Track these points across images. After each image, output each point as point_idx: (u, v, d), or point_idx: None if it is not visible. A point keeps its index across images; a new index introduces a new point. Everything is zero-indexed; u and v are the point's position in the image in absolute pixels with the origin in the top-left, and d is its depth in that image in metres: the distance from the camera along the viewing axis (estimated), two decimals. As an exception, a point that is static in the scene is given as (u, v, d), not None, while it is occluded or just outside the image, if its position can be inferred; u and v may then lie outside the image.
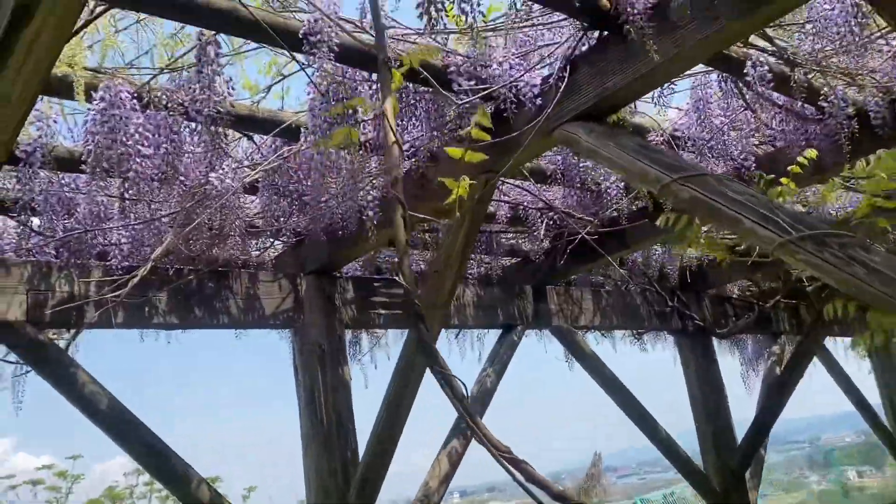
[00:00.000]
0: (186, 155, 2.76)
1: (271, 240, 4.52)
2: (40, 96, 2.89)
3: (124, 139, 2.39)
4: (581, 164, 4.14)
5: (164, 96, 2.57)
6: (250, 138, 3.27)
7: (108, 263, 3.72)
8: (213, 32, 2.53)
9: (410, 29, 2.94)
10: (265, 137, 3.35)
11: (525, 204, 4.51)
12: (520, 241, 5.35)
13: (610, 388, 6.01)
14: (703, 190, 2.48)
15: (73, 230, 3.44)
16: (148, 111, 2.59)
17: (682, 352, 6.80)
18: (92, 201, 3.26)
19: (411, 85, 3.05)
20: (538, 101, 3.01)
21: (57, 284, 3.65)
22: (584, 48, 2.95)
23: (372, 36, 2.69)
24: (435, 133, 3.28)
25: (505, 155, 3.26)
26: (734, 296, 7.36)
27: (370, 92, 2.95)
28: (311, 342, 4.36)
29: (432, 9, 2.30)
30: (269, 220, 3.85)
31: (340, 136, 2.22)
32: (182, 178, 2.85)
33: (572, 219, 4.13)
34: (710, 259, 6.37)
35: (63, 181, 3.41)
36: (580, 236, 4.55)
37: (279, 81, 3.10)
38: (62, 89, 2.66)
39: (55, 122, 3.09)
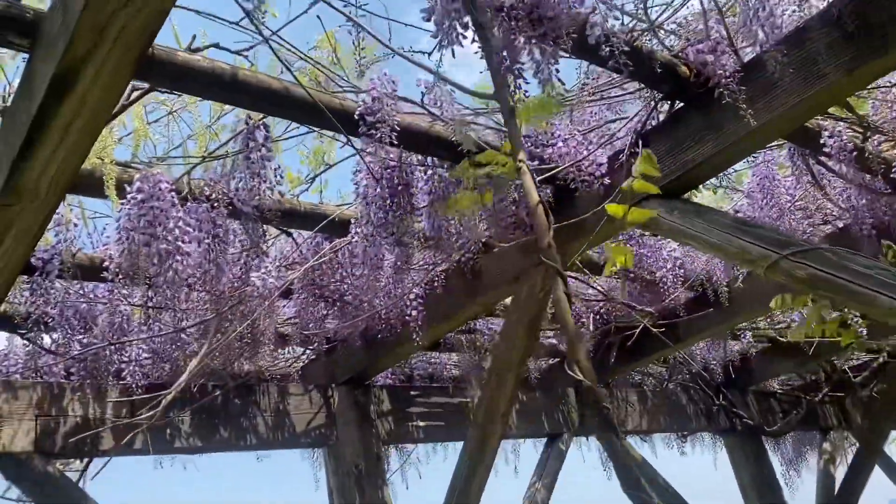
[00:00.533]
0: (227, 254, 2.46)
1: (301, 348, 4.17)
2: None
3: (165, 234, 2.09)
4: (637, 252, 3.86)
5: (206, 188, 2.29)
6: (290, 235, 2.98)
7: (125, 383, 3.35)
8: (262, 116, 2.28)
9: (465, 107, 2.70)
10: (305, 235, 3.06)
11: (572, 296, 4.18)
12: (562, 340, 4.99)
13: (664, 496, 5.51)
14: (823, 266, 2.19)
15: (89, 346, 3.09)
16: (188, 204, 2.31)
17: (732, 453, 6.32)
18: (114, 312, 2.92)
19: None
20: (606, 181, 2.75)
21: (70, 408, 3.27)
22: (653, 122, 2.71)
23: (431, 114, 2.45)
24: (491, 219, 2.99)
25: (568, 241, 2.97)
26: (778, 391, 6.95)
27: (424, 178, 2.69)
28: (346, 462, 3.93)
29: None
30: (303, 325, 3.51)
31: (467, 201, 1.90)
32: (218, 280, 2.53)
33: (633, 310, 3.80)
34: (756, 352, 6.02)
35: (81, 291, 3.09)
36: (633, 331, 4.22)
37: (325, 171, 2.84)
38: (89, 186, 2.38)
39: (76, 225, 2.82)
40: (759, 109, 2.35)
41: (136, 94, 2.15)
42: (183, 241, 2.14)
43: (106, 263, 2.95)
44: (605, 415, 4.47)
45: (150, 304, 3.06)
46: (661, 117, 2.69)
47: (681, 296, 4.09)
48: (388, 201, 2.55)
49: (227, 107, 2.65)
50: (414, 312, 3.37)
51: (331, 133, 2.63)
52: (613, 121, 2.80)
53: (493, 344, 3.92)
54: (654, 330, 3.49)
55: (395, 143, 2.36)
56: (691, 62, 2.47)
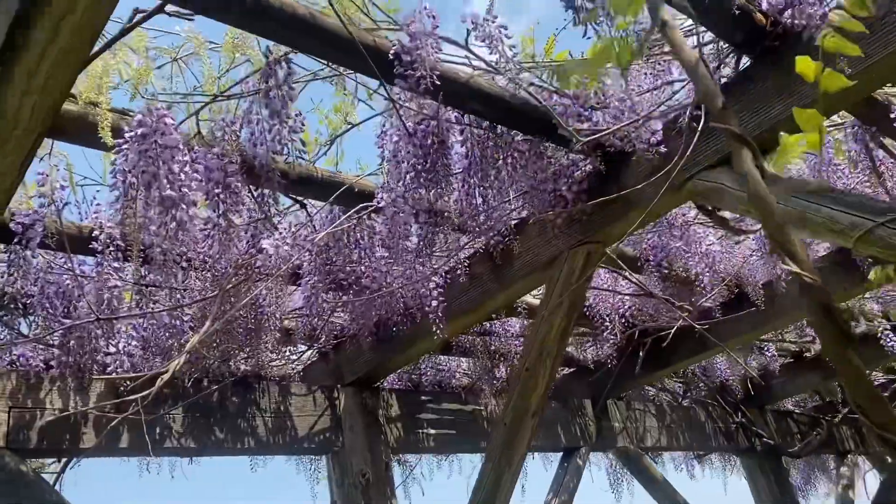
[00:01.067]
0: (237, 213, 2.13)
1: (304, 346, 3.82)
2: (48, 140, 2.30)
3: (169, 177, 1.76)
4: (672, 246, 3.56)
5: (216, 132, 1.98)
6: (303, 206, 2.66)
7: (111, 376, 2.99)
8: (283, 53, 1.97)
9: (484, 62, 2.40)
10: (318, 207, 2.74)
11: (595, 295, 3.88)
12: (581, 347, 4.67)
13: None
14: (930, 233, 1.90)
15: (73, 328, 2.74)
16: (196, 149, 1.98)
17: (751, 475, 5.98)
18: (103, 289, 2.58)
19: (500, 129, 2.48)
20: (662, 149, 2.45)
21: (47, 400, 2.90)
22: (717, 81, 2.43)
23: (482, 63, 2.16)
24: (527, 195, 2.69)
25: (613, 220, 2.67)
26: (795, 411, 6.64)
27: (460, 137, 2.38)
28: (352, 471, 3.57)
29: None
30: (312, 315, 3.18)
31: (602, 56, 1.53)
32: (226, 246, 2.20)
33: (675, 306, 3.49)
34: (778, 367, 5.72)
35: (66, 266, 2.75)
36: (660, 335, 3.91)
37: (346, 131, 2.53)
38: (80, 130, 2.06)
39: (62, 187, 2.49)
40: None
41: (139, 16, 1.84)
42: (189, 188, 1.82)
43: (96, 233, 2.64)
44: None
45: (143, 282, 2.74)
46: (734, 73, 2.40)
47: (714, 298, 3.79)
48: (422, 162, 2.24)
49: (238, 56, 2.34)
50: (434, 302, 3.05)
51: (356, 81, 2.31)
52: (670, 83, 2.51)
53: (526, 332, 3.59)
54: (698, 326, 3.17)
55: (433, 91, 2.06)
56: (766, 9, 2.20)
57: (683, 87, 2.41)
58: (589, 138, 2.27)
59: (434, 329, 3.02)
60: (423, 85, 2.00)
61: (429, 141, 2.26)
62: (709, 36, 2.43)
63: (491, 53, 2.00)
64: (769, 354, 5.29)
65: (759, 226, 3.59)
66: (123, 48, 2.17)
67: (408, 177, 2.22)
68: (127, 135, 1.85)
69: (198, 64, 2.39)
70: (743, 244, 3.84)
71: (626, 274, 3.33)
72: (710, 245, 3.52)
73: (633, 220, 2.64)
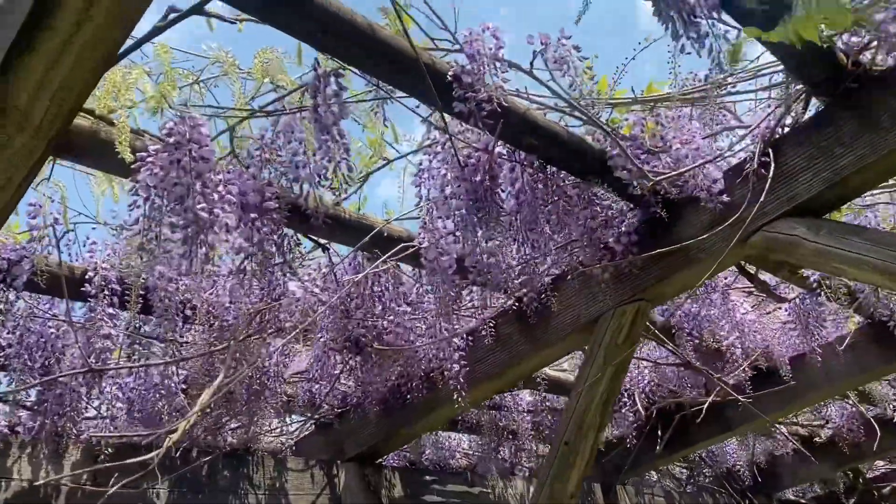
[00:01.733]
0: (272, 241, 1.86)
1: (301, 416, 3.48)
2: (50, 159, 2.03)
3: (204, 192, 1.49)
4: (702, 314, 3.34)
5: (255, 150, 1.72)
6: (326, 250, 2.39)
7: (90, 443, 2.63)
8: (334, 66, 1.74)
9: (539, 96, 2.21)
10: (336, 254, 2.48)
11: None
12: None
13: None
14: None
15: (53, 383, 2.39)
16: (231, 168, 1.72)
17: (761, 570, 5.61)
18: (95, 336, 2.27)
19: (550, 170, 2.26)
20: (724, 198, 2.25)
21: (15, 469, 2.52)
22: (782, 127, 2.26)
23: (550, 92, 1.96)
24: (570, 245, 2.46)
25: (666, 276, 2.44)
26: (802, 500, 6.34)
27: (511, 175, 2.16)
28: (353, 559, 3.18)
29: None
30: (319, 379, 2.86)
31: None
32: (257, 281, 1.92)
33: (715, 378, 3.22)
34: (788, 453, 5.44)
35: (51, 311, 2.43)
36: (689, 411, 3.65)
37: (383, 167, 2.29)
38: (90, 149, 1.80)
39: (56, 220, 2.20)
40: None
41: (172, 15, 1.61)
42: (223, 210, 1.55)
43: (90, 274, 2.35)
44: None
45: (139, 333, 2.42)
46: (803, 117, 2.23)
47: (744, 372, 3.55)
48: (472, 200, 2.00)
49: (265, 83, 2.10)
50: (455, 366, 2.76)
51: (405, 105, 2.09)
52: (731, 128, 2.33)
53: (565, 406, 3.30)
54: (743, 400, 2.91)
55: (493, 120, 1.85)
56: (843, 49, 2.05)
57: (749, 131, 2.23)
58: (659, 177, 2.06)
59: (455, 396, 2.72)
60: (485, 112, 1.78)
61: (479, 177, 2.03)
62: (775, 78, 2.28)
63: (563, 76, 1.79)
64: (780, 438, 5.03)
65: (797, 292, 3.41)
66: (138, 68, 1.94)
67: (458, 214, 1.97)
68: (151, 148, 1.59)
69: (220, 89, 2.17)
70: (772, 314, 3.64)
71: (668, 345, 3.07)
72: (745, 314, 3.31)
73: (689, 276, 2.42)
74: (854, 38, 2.05)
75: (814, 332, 3.40)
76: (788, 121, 2.25)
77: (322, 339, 2.65)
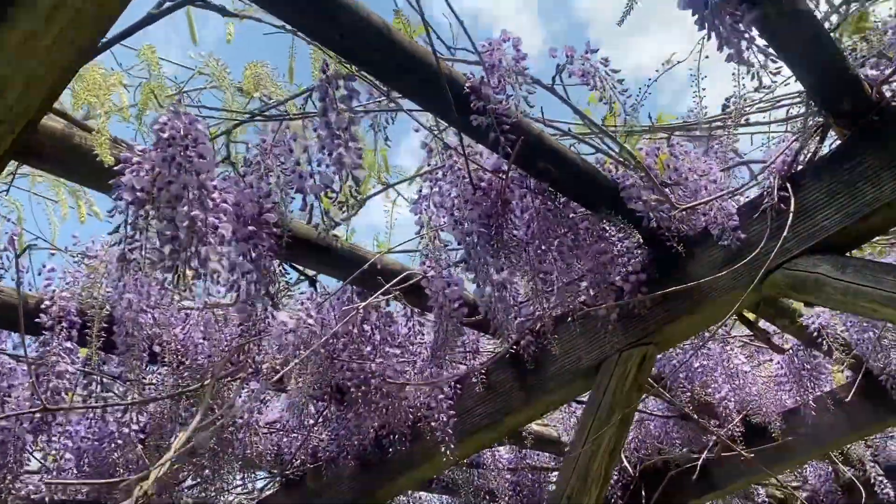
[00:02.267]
0: (271, 260, 1.65)
1: (266, 471, 3.19)
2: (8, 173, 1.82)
3: (201, 194, 1.28)
4: (696, 364, 3.20)
5: (256, 155, 1.53)
6: (314, 284, 2.19)
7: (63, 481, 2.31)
8: (345, 71, 1.58)
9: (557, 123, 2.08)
10: (327, 289, 2.27)
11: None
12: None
13: None
14: None
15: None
16: (227, 176, 1.53)
17: None
18: (50, 374, 2.00)
19: (560, 199, 2.11)
20: (740, 235, 2.13)
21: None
22: (799, 162, 2.17)
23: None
24: (572, 284, 2.30)
25: (675, 318, 2.30)
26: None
27: (521, 202, 2.00)
28: None
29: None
30: (292, 430, 2.62)
31: None
32: (251, 302, 1.70)
33: (713, 433, 3.05)
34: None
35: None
36: (677, 470, 3.47)
37: (381, 191, 2.12)
38: (62, 155, 1.59)
39: (11, 241, 1.97)
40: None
41: (167, 4, 1.43)
42: (219, 219, 1.35)
43: (46, 304, 2.09)
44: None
45: (97, 372, 2.17)
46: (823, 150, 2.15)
47: (735, 427, 3.39)
48: (486, 226, 1.84)
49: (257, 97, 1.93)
50: (443, 416, 2.56)
51: (412, 117, 1.92)
52: (747, 162, 2.23)
53: (564, 459, 3.08)
54: (746, 455, 2.75)
55: (512, 138, 1.70)
56: (870, 79, 1.98)
57: (768, 164, 2.13)
58: (686, 206, 1.93)
59: (442, 449, 2.51)
60: (507, 125, 1.64)
61: (491, 201, 1.87)
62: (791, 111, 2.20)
63: (592, 89, 1.66)
64: (760, 501, 4.87)
65: (790, 343, 3.30)
66: (117, 74, 1.75)
67: (469, 240, 1.80)
68: (139, 148, 1.39)
69: (208, 102, 1.98)
70: (762, 366, 3.52)
71: (665, 395, 2.91)
72: (740, 364, 3.18)
73: (700, 319, 2.28)
74: (873, 72, 1.99)
75: (808, 387, 3.29)
76: (804, 155, 2.17)
77: (300, 384, 2.42)
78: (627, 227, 2.03)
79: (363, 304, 2.03)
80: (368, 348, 2.28)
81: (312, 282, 2.19)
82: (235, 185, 1.49)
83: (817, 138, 2.13)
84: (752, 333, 3.02)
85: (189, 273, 1.56)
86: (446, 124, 1.86)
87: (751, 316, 2.87)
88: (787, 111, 2.16)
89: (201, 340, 2.10)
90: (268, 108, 1.68)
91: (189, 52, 1.86)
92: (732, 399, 3.23)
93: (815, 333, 2.93)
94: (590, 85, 1.66)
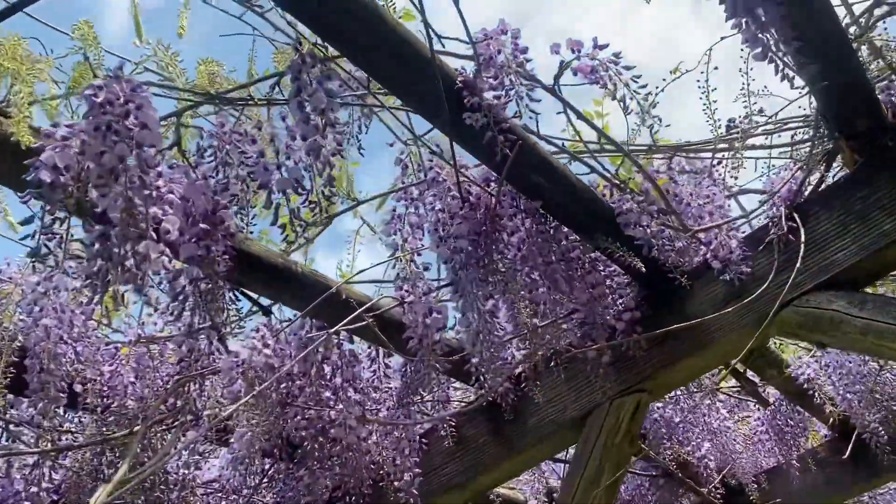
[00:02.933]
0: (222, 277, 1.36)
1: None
2: None
3: (139, 183, 1.00)
4: (676, 420, 2.97)
5: (210, 138, 1.26)
6: (268, 314, 1.90)
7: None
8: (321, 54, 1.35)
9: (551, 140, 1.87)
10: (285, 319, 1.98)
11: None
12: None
13: None
14: None
15: None
16: (176, 164, 1.25)
17: None
18: None
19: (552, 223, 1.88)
20: (744, 269, 1.94)
21: None
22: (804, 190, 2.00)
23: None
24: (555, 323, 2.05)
25: (671, 360, 2.07)
26: None
27: (511, 222, 1.77)
28: None
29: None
30: (238, 488, 2.28)
31: None
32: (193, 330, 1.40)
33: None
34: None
35: None
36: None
37: (351, 209, 1.85)
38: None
39: None
40: None
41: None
42: (164, 210, 1.08)
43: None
44: None
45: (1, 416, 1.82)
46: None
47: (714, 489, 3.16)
48: (474, 244, 1.60)
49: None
50: (408, 476, 2.26)
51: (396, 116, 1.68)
52: (750, 191, 2.06)
53: None
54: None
55: (509, 143, 1.49)
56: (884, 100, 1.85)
57: (775, 192, 1.95)
58: (703, 228, 1.73)
59: (408, 508, 2.20)
60: (504, 126, 1.42)
61: (478, 217, 1.63)
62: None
63: (600, 87, 1.46)
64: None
65: (775, 396, 3.11)
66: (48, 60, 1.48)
67: (458, 260, 1.55)
68: (64, 123, 1.11)
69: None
70: (742, 422, 3.32)
71: (649, 452, 2.67)
72: (722, 420, 2.97)
73: (698, 362, 2.07)
74: (887, 93, 1.86)
75: (791, 444, 3.10)
76: (809, 184, 2.01)
77: (249, 432, 2.10)
78: (629, 257, 1.80)
79: (324, 333, 1.73)
80: (327, 393, 1.98)
81: (267, 312, 1.89)
82: (185, 176, 1.22)
83: (823, 166, 1.98)
84: (737, 385, 2.83)
85: (122, 289, 1.28)
86: (425, 133, 1.63)
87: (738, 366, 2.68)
88: (792, 136, 2.00)
89: (132, 380, 1.78)
90: (228, 92, 1.42)
91: (134, 47, 1.60)
92: (712, 457, 3.00)
93: (805, 385, 2.75)
94: (600, 83, 1.46)
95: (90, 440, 1.68)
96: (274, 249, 1.81)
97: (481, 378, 2.07)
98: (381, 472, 2.30)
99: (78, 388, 1.73)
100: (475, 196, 1.65)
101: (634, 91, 1.43)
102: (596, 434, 2.11)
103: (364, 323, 1.81)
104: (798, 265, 1.84)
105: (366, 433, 2.08)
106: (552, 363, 2.17)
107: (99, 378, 1.78)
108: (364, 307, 1.78)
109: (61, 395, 1.72)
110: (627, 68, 1.46)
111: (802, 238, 1.89)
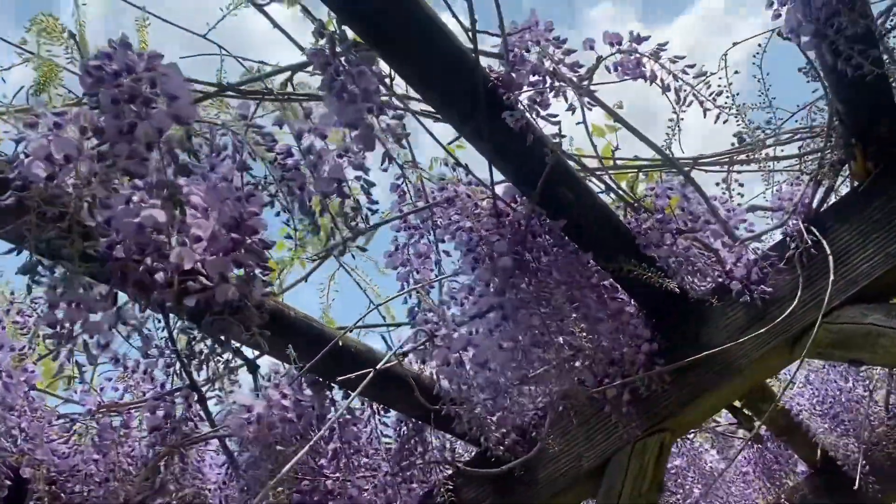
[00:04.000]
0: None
1: None
2: None
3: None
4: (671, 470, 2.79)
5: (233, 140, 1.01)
6: (254, 370, 1.61)
7: None
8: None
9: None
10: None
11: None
12: None
13: None
14: None
15: None
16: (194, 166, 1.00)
17: None
18: None
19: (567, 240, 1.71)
20: (764, 289, 1.82)
21: None
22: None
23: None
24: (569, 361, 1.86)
25: (694, 394, 1.91)
26: None
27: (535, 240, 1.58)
28: None
29: None
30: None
31: None
32: None
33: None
34: None
35: None
36: None
37: (364, 233, 1.61)
38: None
39: None
40: None
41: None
42: (193, 213, 0.83)
43: None
44: None
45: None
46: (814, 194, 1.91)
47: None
48: (517, 268, 1.40)
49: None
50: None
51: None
52: (764, 209, 1.95)
53: None
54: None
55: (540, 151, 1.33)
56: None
57: (794, 206, 1.85)
58: (749, 237, 1.59)
59: None
60: (555, 118, 1.26)
61: (512, 234, 1.44)
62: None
63: (648, 82, 1.32)
64: None
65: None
66: None
67: (500, 278, 1.34)
68: (45, 114, 0.85)
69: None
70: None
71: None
72: (713, 462, 2.81)
73: (723, 393, 1.92)
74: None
75: (777, 483, 2.98)
76: (819, 195, 1.93)
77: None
78: (659, 278, 1.65)
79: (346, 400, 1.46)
80: (327, 459, 1.70)
81: (253, 367, 1.61)
82: (201, 179, 0.97)
83: (831, 176, 1.91)
84: (729, 423, 2.71)
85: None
86: (452, 141, 1.44)
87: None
88: (800, 147, 1.92)
89: (94, 458, 1.45)
90: (241, 84, 1.19)
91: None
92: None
93: (797, 417, 2.66)
94: (647, 78, 1.32)
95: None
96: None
97: (486, 430, 1.86)
98: None
99: (27, 472, 1.39)
100: (504, 213, 1.47)
101: (688, 82, 1.30)
102: (620, 483, 1.91)
103: (370, 376, 1.56)
104: (832, 276, 1.73)
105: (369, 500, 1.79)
106: (560, 408, 1.98)
107: (50, 460, 1.44)
108: (381, 363, 1.53)
109: (4, 482, 1.38)
110: (678, 58, 1.33)
111: (828, 250, 1.79)
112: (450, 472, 2.12)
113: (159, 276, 0.85)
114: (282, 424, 1.21)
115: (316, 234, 1.03)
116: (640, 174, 1.91)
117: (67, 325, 1.17)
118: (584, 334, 1.71)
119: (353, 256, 1.83)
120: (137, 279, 0.88)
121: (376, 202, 1.08)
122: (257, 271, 0.93)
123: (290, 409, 1.23)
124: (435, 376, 1.53)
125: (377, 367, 1.55)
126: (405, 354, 1.55)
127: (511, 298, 1.35)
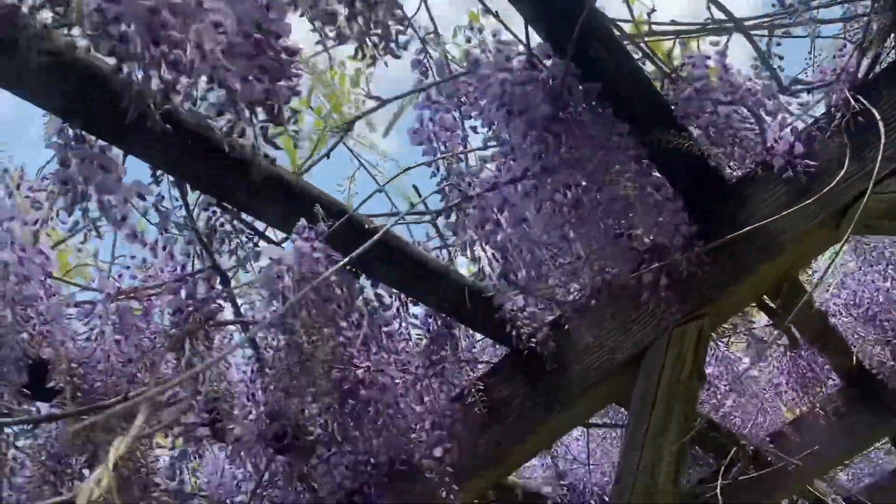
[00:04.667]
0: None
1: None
2: None
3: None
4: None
5: None
6: (268, 239, 1.53)
7: None
8: None
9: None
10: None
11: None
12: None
13: None
14: None
15: None
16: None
17: None
18: None
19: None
20: (808, 163, 1.73)
21: None
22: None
23: None
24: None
25: (735, 277, 1.83)
26: None
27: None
28: None
29: None
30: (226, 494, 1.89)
31: None
32: None
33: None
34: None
35: None
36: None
37: (377, 109, 1.53)
38: None
39: None
40: None
41: None
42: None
43: None
44: None
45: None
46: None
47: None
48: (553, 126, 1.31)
49: None
50: (438, 451, 1.93)
51: None
52: (809, 86, 1.85)
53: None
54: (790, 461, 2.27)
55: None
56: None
57: (837, 75, 1.75)
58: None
59: (444, 495, 1.87)
60: None
61: (546, 92, 1.35)
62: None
63: None
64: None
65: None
66: None
67: (537, 134, 1.26)
68: None
69: None
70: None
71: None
72: (746, 368, 2.74)
73: (771, 272, 1.84)
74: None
75: (812, 394, 2.91)
76: (865, 63, 1.82)
77: (248, 421, 1.73)
78: (699, 150, 1.55)
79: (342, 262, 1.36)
80: (352, 349, 1.64)
81: (268, 238, 1.53)
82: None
83: (878, 43, 1.80)
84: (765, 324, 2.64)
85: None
86: None
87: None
88: (844, 12, 1.81)
89: (115, 339, 1.39)
90: None
91: None
92: (738, 413, 2.77)
93: (832, 320, 2.58)
94: None
95: (69, 411, 1.27)
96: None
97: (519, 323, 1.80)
98: (407, 452, 1.96)
99: (46, 352, 1.33)
100: (537, 69, 1.37)
101: None
102: (658, 372, 1.84)
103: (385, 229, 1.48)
104: (883, 141, 1.63)
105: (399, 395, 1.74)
106: (591, 299, 1.90)
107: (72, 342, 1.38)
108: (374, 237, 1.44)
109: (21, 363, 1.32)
110: None
111: (878, 116, 1.69)
112: (481, 371, 2.07)
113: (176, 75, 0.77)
114: (313, 279, 1.14)
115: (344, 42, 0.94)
116: (678, 42, 1.80)
117: (80, 182, 1.11)
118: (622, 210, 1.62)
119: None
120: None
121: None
122: (283, 83, 0.84)
123: (320, 261, 1.16)
124: (469, 252, 1.44)
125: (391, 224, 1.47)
126: (438, 214, 1.47)
127: (549, 156, 1.26)
